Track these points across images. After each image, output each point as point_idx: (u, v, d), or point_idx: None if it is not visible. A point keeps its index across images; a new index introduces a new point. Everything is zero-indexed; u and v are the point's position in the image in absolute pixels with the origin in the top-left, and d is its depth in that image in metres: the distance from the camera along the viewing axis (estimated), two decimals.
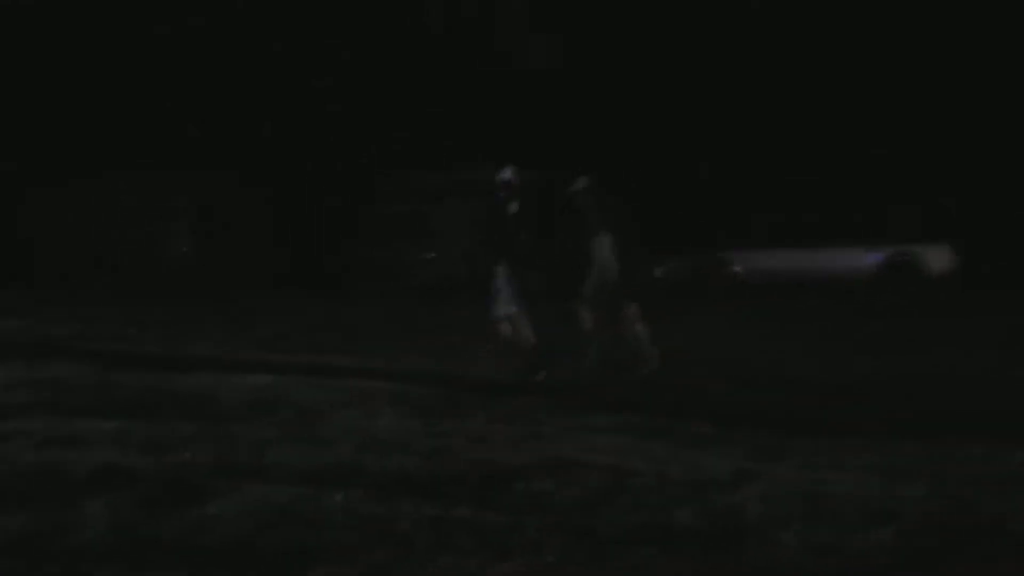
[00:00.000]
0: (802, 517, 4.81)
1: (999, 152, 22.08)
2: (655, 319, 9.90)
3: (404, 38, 24.83)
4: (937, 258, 18.17)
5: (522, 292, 9.61)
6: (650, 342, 9.88)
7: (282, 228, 23.97)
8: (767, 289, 18.23)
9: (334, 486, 4.90)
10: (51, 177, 23.49)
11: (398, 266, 19.70)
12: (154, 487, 4.72)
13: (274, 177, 24.06)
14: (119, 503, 4.44)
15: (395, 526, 4.40)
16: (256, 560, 3.93)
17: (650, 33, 24.29)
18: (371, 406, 7.40)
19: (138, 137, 24.37)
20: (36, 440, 5.54)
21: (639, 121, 24.00)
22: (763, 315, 15.26)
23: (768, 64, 23.80)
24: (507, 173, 9.81)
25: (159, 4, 24.15)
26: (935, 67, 22.52)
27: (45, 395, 6.99)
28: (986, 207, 21.21)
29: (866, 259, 18.43)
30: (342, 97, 24.62)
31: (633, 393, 8.86)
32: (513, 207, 9.79)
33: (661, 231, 21.03)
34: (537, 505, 4.92)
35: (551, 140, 22.49)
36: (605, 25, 24.51)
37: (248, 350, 10.30)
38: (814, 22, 23.74)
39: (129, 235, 23.35)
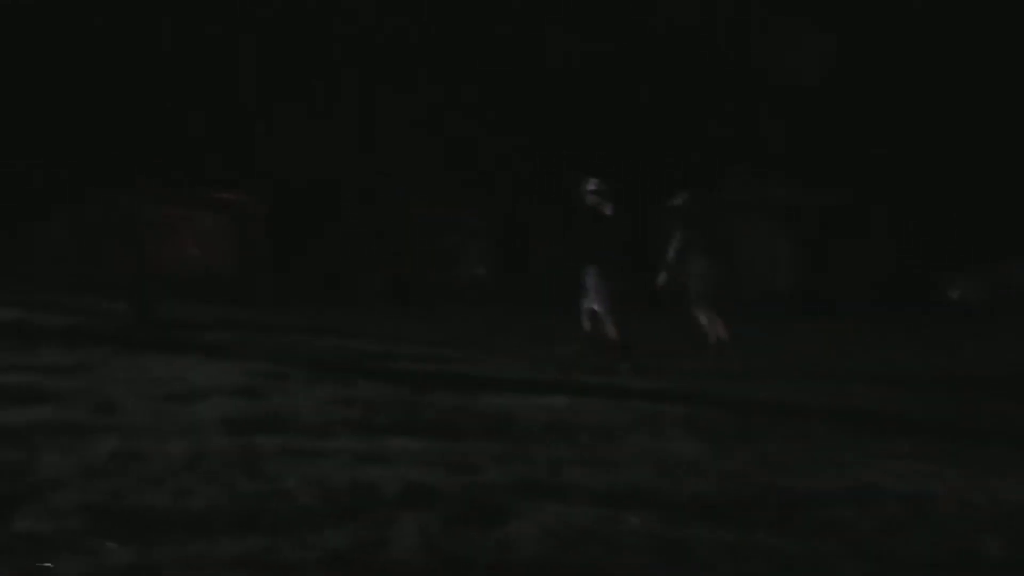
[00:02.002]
0: None
1: None
2: (950, 338, 9.60)
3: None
4: None
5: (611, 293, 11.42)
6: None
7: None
8: None
9: (631, 508, 4.98)
10: (363, 193, 24.40)
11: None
12: (460, 505, 4.92)
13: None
14: (427, 521, 4.64)
15: (693, 550, 4.44)
16: None
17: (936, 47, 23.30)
18: (663, 428, 7.44)
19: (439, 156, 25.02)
20: (349, 458, 5.81)
21: (941, 138, 23.07)
22: None
23: None
24: (593, 183, 11.51)
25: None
26: None
27: (357, 414, 7.32)
28: None
29: None
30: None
31: (934, 418, 8.59)
32: (602, 215, 11.46)
33: (959, 250, 20.22)
34: (836, 531, 4.84)
35: (843, 157, 21.95)
36: (883, 33, 23.67)
37: (546, 370, 10.53)
38: None
39: (430, 251, 24.27)
